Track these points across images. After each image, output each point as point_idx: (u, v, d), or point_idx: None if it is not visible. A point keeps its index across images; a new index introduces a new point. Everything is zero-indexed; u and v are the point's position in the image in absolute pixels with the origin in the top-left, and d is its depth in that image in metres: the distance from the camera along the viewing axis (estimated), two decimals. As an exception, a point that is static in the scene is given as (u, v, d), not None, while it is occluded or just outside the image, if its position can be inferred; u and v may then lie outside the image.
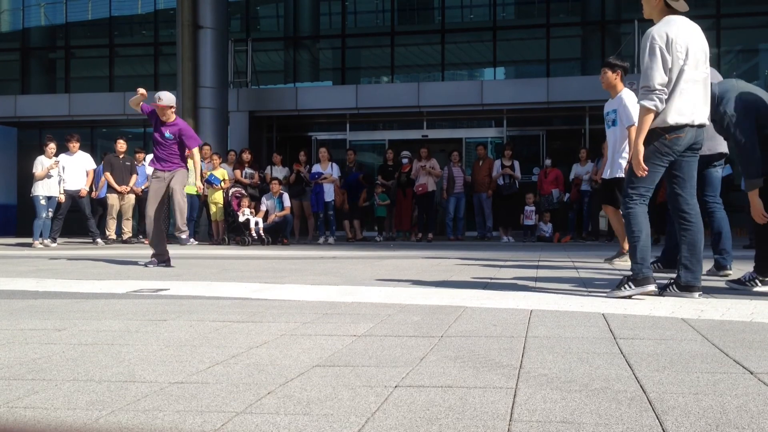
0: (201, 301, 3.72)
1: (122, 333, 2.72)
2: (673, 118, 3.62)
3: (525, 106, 15.45)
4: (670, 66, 3.61)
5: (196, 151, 6.66)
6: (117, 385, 1.88)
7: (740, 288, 4.20)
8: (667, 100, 3.62)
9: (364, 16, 18.64)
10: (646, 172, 3.65)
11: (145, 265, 6.44)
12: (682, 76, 3.63)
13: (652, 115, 3.61)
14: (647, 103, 3.59)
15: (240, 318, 3.09)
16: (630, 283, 3.67)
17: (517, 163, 12.93)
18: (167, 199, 6.72)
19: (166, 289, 4.31)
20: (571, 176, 12.70)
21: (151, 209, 6.57)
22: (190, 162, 6.81)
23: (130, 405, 1.68)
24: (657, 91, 3.59)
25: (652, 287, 3.66)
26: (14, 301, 3.81)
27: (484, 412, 1.59)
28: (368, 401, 1.70)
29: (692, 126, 3.66)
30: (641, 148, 3.62)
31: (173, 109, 6.65)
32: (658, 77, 3.59)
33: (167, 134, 6.59)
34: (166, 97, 6.58)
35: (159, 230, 6.57)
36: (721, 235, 5.09)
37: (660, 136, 3.64)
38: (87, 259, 7.52)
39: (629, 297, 3.64)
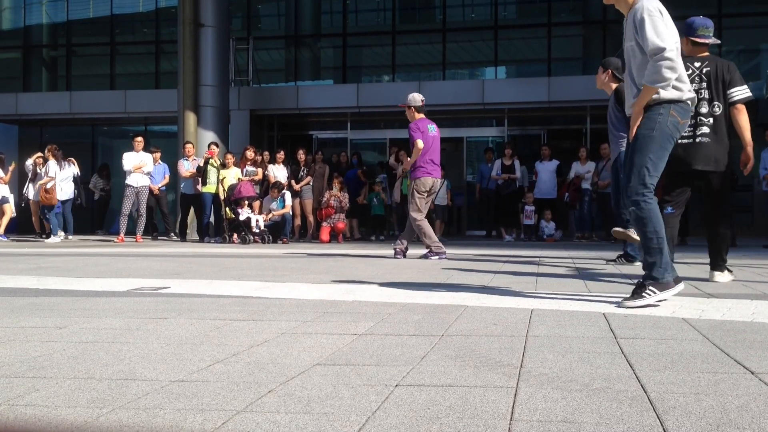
0: (202, 300, 3.72)
1: (123, 331, 2.72)
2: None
3: (526, 106, 15.43)
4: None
5: None
6: (118, 383, 1.88)
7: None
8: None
9: (365, 14, 18.63)
10: None
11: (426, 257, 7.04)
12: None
13: None
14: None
15: (241, 316, 3.09)
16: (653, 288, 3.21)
17: (517, 162, 12.90)
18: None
19: (166, 287, 4.31)
20: (571, 175, 12.66)
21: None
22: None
23: (131, 403, 1.68)
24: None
25: (681, 286, 3.26)
26: (15, 298, 3.81)
27: (485, 411, 1.59)
28: (369, 400, 1.69)
29: None
30: None
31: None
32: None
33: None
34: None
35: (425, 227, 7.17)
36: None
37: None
38: (89, 256, 7.53)
39: (656, 304, 3.18)
